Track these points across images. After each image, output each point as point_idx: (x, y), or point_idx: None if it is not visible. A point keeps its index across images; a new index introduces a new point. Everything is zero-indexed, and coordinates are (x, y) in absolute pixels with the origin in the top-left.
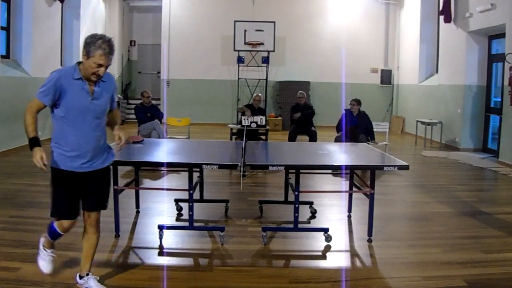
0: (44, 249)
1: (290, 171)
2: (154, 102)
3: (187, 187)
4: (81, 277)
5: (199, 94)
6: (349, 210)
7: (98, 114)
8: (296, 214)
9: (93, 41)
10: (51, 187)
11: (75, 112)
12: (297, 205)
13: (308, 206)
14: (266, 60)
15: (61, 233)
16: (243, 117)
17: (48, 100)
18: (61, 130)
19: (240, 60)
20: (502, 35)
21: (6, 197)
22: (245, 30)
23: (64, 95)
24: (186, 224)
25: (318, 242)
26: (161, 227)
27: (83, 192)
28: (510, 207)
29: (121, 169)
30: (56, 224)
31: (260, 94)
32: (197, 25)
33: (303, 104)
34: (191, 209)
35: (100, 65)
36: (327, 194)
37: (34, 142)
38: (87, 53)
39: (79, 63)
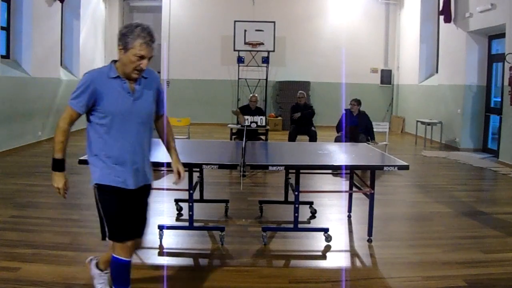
0: (99, 270)
1: (290, 171)
2: None
3: (187, 187)
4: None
5: (199, 94)
6: (349, 210)
7: (142, 118)
8: (296, 214)
9: (130, 30)
10: (99, 206)
11: (117, 118)
12: (297, 205)
13: (308, 206)
14: (266, 60)
15: (128, 259)
16: (239, 121)
17: (82, 107)
18: (101, 140)
19: (240, 60)
20: (502, 35)
21: (6, 197)
22: (245, 30)
23: (101, 99)
24: (186, 224)
25: (318, 242)
26: (161, 227)
27: (123, 213)
28: (510, 207)
29: None
30: (117, 253)
31: (256, 95)
32: (197, 25)
33: (303, 104)
34: (191, 209)
35: (141, 57)
36: (327, 194)
37: (58, 165)
38: (125, 45)
39: (114, 61)
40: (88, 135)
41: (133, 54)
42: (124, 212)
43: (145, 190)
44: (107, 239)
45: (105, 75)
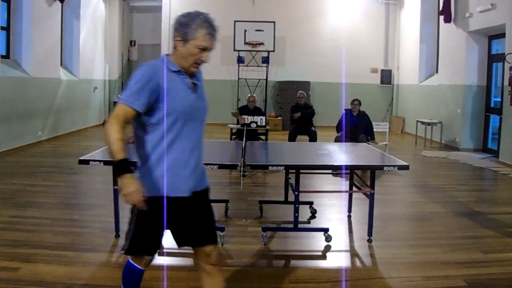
0: None
1: (290, 171)
2: None
3: None
4: None
5: None
6: (349, 210)
7: (203, 117)
8: (296, 214)
9: (191, 19)
10: (133, 218)
11: (182, 117)
12: (297, 205)
13: (308, 206)
14: (266, 60)
15: (142, 268)
16: (239, 121)
17: (142, 104)
18: (159, 143)
19: (240, 60)
20: (502, 35)
21: (6, 197)
22: (245, 30)
23: (163, 95)
24: None
25: (318, 242)
26: None
27: (186, 223)
28: (510, 207)
29: None
30: (133, 260)
31: (254, 95)
32: None
33: (303, 104)
34: None
35: (204, 49)
36: (327, 194)
37: (124, 166)
38: (184, 36)
39: (166, 55)
40: (140, 140)
41: (195, 46)
42: (157, 229)
43: (207, 194)
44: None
45: (165, 68)
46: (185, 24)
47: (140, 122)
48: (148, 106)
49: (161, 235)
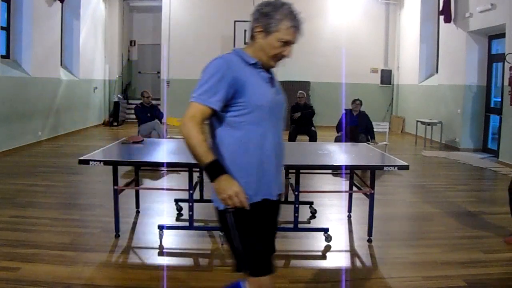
0: None
1: (290, 171)
2: (154, 102)
3: (187, 187)
4: None
5: None
6: (349, 210)
7: (282, 113)
8: (296, 214)
9: (274, 9)
10: (236, 233)
11: (262, 113)
12: (297, 205)
13: (308, 206)
14: None
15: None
16: None
17: (219, 102)
18: (241, 143)
19: None
20: (502, 35)
21: (6, 197)
22: (245, 30)
23: (244, 90)
24: (186, 224)
25: (318, 242)
26: (161, 227)
27: (269, 230)
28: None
29: (121, 169)
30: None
31: None
32: (197, 25)
33: (303, 104)
34: (191, 209)
35: (286, 43)
36: (327, 194)
37: (218, 167)
38: (267, 27)
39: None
40: (217, 139)
41: (277, 39)
42: (267, 235)
43: (279, 201)
44: (242, 272)
45: (241, 60)
46: (268, 15)
47: (217, 120)
48: (225, 102)
49: (271, 247)
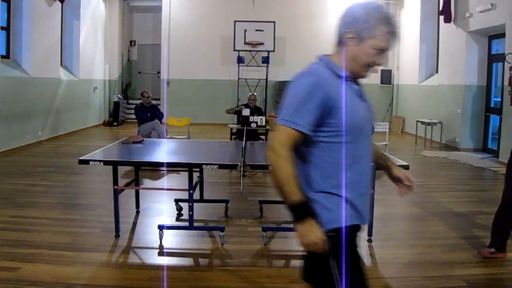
0: None
1: None
2: (154, 102)
3: (187, 187)
4: None
5: (199, 94)
6: None
7: (372, 130)
8: None
9: (368, 13)
10: (332, 263)
11: (355, 133)
12: None
13: None
14: (266, 60)
15: None
16: (242, 112)
17: (311, 126)
18: (332, 166)
19: (240, 60)
20: (502, 35)
21: (6, 197)
22: (245, 30)
23: (336, 109)
24: (186, 224)
25: None
26: (161, 227)
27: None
28: None
29: (121, 169)
30: None
31: (255, 93)
32: (197, 25)
33: None
34: (191, 209)
35: (382, 51)
36: None
37: (305, 209)
38: (360, 33)
39: (322, 56)
40: (305, 161)
41: (372, 46)
42: (363, 268)
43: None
44: None
45: (331, 73)
46: (361, 19)
47: (305, 140)
48: (317, 124)
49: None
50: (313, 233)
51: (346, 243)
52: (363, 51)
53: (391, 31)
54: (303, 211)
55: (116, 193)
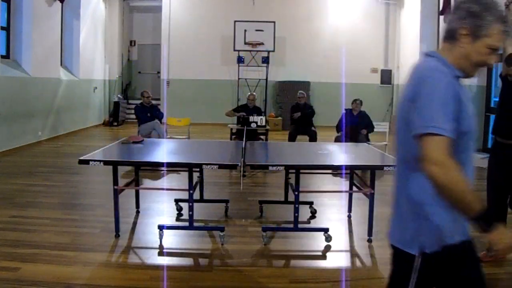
0: None
1: (290, 171)
2: (154, 102)
3: (187, 187)
4: None
5: (199, 94)
6: (349, 210)
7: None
8: (296, 214)
9: (485, 9)
10: (415, 276)
11: (467, 139)
12: (297, 205)
13: (308, 206)
14: (266, 60)
15: None
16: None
17: (453, 129)
18: None
19: (240, 60)
20: None
21: (6, 197)
22: (245, 30)
23: (463, 113)
24: (186, 224)
25: (318, 242)
26: (161, 227)
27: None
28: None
29: (121, 169)
30: None
31: (254, 93)
32: (197, 25)
33: (303, 104)
34: (191, 209)
35: (495, 50)
36: (327, 194)
37: (491, 215)
38: (475, 30)
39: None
40: (417, 168)
41: (486, 45)
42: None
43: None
44: None
45: (451, 74)
46: (477, 15)
47: (416, 146)
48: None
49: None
50: (507, 237)
51: (463, 260)
52: (477, 49)
53: (506, 30)
54: (490, 216)
55: (116, 193)
